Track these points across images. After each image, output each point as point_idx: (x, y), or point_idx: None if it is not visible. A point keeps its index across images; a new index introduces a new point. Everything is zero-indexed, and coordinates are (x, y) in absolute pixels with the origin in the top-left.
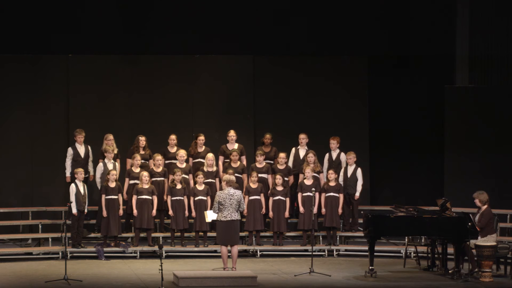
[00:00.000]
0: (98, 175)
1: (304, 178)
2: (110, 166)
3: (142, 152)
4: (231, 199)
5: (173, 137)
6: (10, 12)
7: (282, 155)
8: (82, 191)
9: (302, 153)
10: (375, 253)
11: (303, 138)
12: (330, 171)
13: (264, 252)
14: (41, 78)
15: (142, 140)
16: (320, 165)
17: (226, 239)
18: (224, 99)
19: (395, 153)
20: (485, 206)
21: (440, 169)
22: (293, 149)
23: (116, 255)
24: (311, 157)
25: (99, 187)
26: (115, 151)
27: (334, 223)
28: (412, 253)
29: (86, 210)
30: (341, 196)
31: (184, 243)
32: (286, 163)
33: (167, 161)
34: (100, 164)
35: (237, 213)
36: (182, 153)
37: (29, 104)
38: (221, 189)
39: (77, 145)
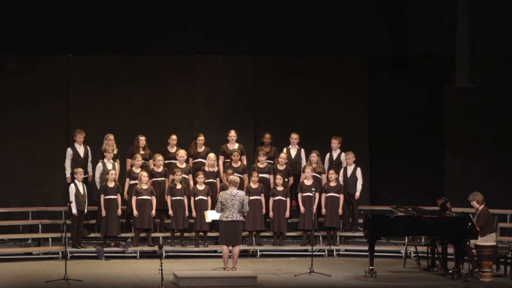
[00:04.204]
0: (97, 175)
1: (305, 178)
2: (109, 166)
3: (142, 152)
4: (232, 199)
5: (174, 137)
6: (10, 12)
7: (283, 155)
8: (81, 191)
9: (293, 152)
10: (375, 253)
11: (295, 138)
12: (331, 171)
13: (264, 252)
14: (41, 78)
15: (142, 140)
16: (323, 166)
17: (227, 239)
18: (224, 99)
19: (395, 153)
20: (482, 206)
21: (440, 169)
22: (284, 149)
23: (116, 255)
24: (314, 157)
25: (98, 187)
26: (115, 151)
27: (334, 223)
28: (412, 253)
29: (86, 210)
30: (341, 196)
31: (184, 243)
32: (287, 163)
33: (167, 161)
34: (99, 164)
35: (240, 213)
36: (182, 153)
37: (29, 104)
38: (222, 189)
39: (77, 145)
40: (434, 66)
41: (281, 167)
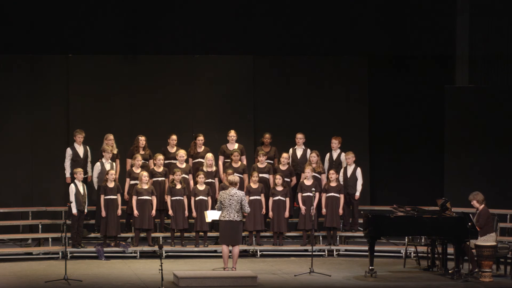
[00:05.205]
0: (95, 174)
1: (304, 178)
2: (107, 166)
3: (142, 152)
4: (230, 199)
5: (174, 137)
6: (10, 12)
7: (285, 155)
8: (81, 191)
9: (299, 153)
10: (375, 253)
11: (300, 138)
12: (331, 172)
13: (264, 252)
14: (41, 78)
15: (142, 140)
16: (323, 166)
17: (226, 238)
18: (224, 99)
19: (395, 153)
20: (482, 206)
21: (440, 169)
22: (291, 149)
23: (116, 255)
24: (314, 157)
25: (95, 187)
26: (115, 151)
27: (335, 223)
28: (412, 253)
29: (86, 210)
30: (342, 196)
31: (184, 243)
32: (289, 163)
33: (166, 161)
34: (98, 164)
35: (238, 213)
36: (182, 153)
37: (29, 104)
38: (222, 189)
39: (76, 145)
40: (434, 66)
41: (283, 167)
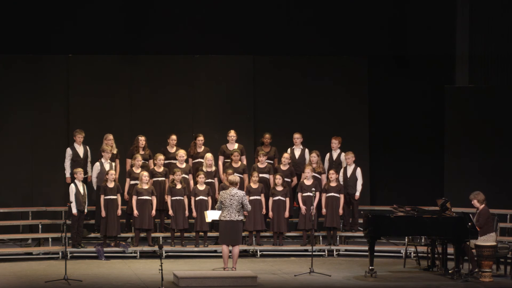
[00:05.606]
0: (94, 174)
1: (304, 178)
2: (107, 166)
3: (142, 152)
4: (231, 199)
5: (173, 137)
6: (10, 12)
7: (286, 155)
8: (81, 191)
9: (297, 153)
10: (375, 253)
11: (297, 137)
12: (331, 171)
13: (264, 252)
14: (41, 78)
15: (142, 140)
16: (323, 166)
17: (226, 238)
18: (224, 99)
19: (395, 153)
20: (482, 206)
21: (440, 169)
22: (289, 150)
23: (116, 255)
24: (314, 157)
25: (95, 187)
26: (114, 151)
27: (335, 224)
28: (412, 253)
29: (86, 210)
30: (342, 196)
31: (184, 243)
32: (290, 163)
33: (166, 161)
34: (97, 164)
35: (239, 213)
36: (182, 153)
37: (29, 104)
38: (222, 189)
39: (76, 145)
40: (434, 66)
41: (284, 167)
